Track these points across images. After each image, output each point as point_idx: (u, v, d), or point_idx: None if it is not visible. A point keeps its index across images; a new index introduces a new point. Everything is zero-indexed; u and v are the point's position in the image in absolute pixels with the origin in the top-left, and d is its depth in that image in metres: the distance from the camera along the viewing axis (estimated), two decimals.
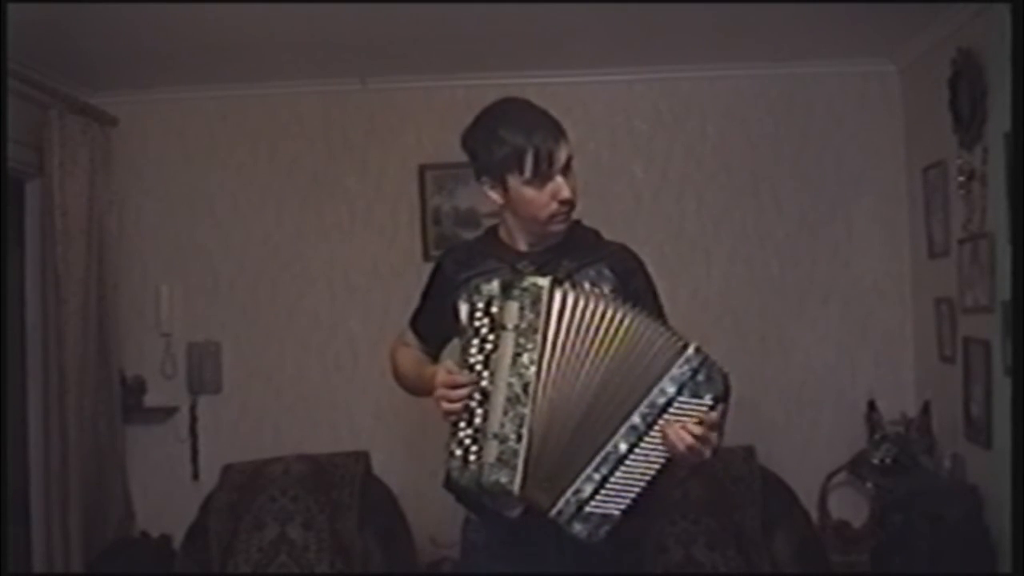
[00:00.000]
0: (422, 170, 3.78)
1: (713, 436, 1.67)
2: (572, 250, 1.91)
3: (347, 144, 3.84)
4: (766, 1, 3.00)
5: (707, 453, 1.67)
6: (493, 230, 2.00)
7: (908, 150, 3.71)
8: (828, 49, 3.59)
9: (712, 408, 1.67)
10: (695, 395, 1.67)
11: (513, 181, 1.83)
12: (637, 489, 1.69)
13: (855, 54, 3.66)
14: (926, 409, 3.44)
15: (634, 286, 1.90)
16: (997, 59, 2.75)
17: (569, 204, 1.86)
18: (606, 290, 1.86)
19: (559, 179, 1.83)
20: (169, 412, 3.81)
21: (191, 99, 3.85)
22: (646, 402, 1.67)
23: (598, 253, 1.93)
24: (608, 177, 3.74)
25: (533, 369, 1.69)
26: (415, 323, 2.11)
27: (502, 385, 1.71)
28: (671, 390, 1.67)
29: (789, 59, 3.68)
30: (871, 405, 3.56)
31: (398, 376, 2.12)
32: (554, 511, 1.70)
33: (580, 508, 1.70)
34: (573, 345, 1.70)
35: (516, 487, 1.69)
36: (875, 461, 3.39)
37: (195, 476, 3.78)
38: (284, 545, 3.30)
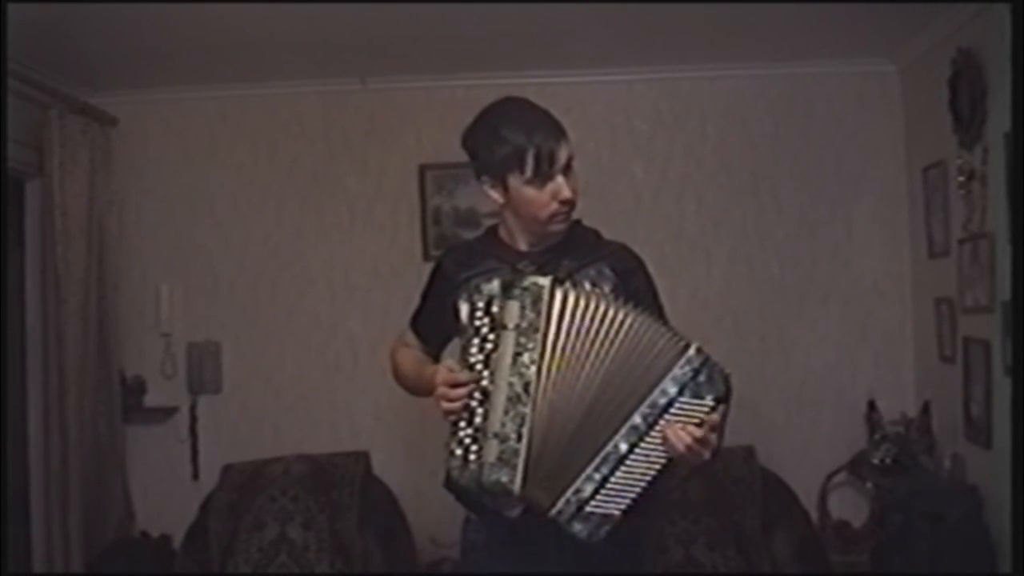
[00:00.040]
0: (422, 170, 3.78)
1: (713, 437, 1.67)
2: (572, 250, 1.90)
3: (347, 144, 3.84)
4: (766, 1, 3.00)
5: (706, 454, 1.67)
6: (493, 230, 2.00)
7: (908, 150, 3.71)
8: (828, 49, 3.59)
9: (713, 409, 1.67)
10: (696, 396, 1.67)
11: (514, 181, 1.83)
12: (637, 489, 1.69)
13: (855, 54, 3.66)
14: (926, 409, 3.44)
15: (634, 285, 1.90)
16: (997, 59, 2.75)
17: (570, 204, 1.85)
18: (606, 289, 1.85)
19: (560, 179, 1.82)
20: (169, 412, 3.81)
21: (191, 99, 3.84)
22: (647, 402, 1.67)
23: (598, 253, 1.92)
24: (608, 177, 3.74)
25: (534, 368, 1.69)
26: (415, 323, 2.11)
27: (503, 384, 1.71)
28: (672, 391, 1.67)
29: (789, 59, 3.68)
30: (871, 405, 3.56)
31: (398, 376, 2.12)
32: (554, 511, 1.70)
33: (580, 508, 1.70)
34: (574, 345, 1.70)
35: (516, 486, 1.69)
36: (875, 461, 3.39)
37: (195, 476, 3.78)
38: (284, 545, 3.30)
